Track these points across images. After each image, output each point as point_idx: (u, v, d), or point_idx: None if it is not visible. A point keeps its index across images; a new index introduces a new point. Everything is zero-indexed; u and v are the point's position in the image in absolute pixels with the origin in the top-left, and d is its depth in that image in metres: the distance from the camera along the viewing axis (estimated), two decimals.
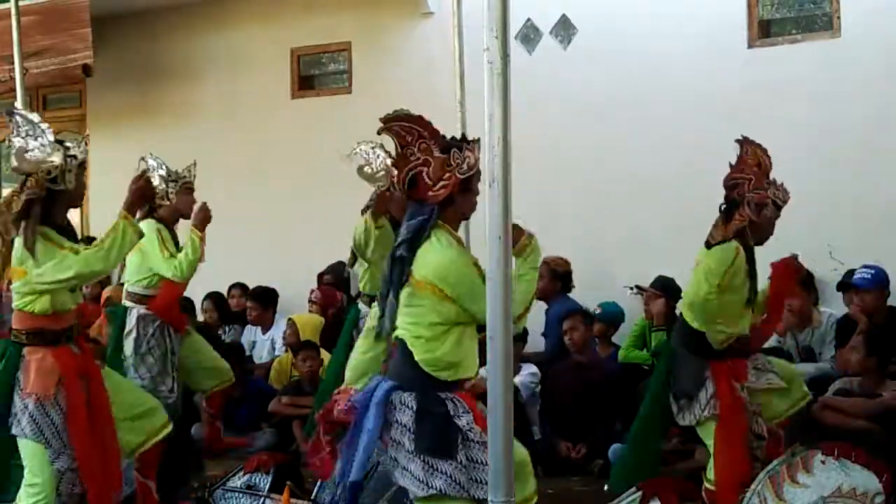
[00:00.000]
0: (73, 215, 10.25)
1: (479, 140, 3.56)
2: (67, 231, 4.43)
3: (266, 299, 7.98)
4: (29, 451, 4.27)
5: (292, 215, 8.55)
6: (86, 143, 4.47)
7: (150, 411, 4.74)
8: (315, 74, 9.10)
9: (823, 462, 4.05)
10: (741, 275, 4.49)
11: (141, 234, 4.45)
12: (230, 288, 8.41)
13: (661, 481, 4.70)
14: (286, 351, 7.49)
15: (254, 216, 8.76)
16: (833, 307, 6.45)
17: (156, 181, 5.55)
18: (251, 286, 8.23)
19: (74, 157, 4.31)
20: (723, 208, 4.61)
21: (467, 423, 3.50)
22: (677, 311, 6.62)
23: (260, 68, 8.93)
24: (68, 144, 4.35)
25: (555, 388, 6.38)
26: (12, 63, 7.19)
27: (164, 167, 5.80)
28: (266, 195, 8.74)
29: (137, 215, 4.61)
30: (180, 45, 9.26)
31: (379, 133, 3.72)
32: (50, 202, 4.27)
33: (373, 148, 5.44)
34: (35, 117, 4.28)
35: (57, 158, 4.22)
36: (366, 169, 5.52)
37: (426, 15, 8.23)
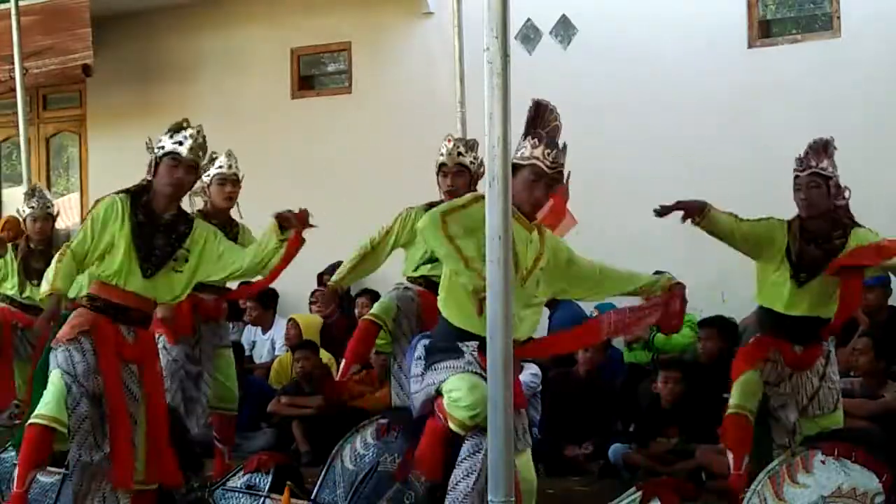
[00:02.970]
0: (74, 213, 10.28)
1: (555, 149, 3.80)
2: None
3: (266, 299, 7.97)
4: (54, 384, 4.23)
5: None
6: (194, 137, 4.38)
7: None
8: (315, 74, 9.11)
9: (823, 462, 4.04)
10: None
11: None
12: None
13: (661, 481, 4.70)
14: (286, 351, 7.49)
15: (253, 216, 8.74)
16: None
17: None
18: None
19: (161, 147, 4.31)
20: None
21: (471, 354, 3.59)
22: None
23: (260, 68, 8.93)
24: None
25: (558, 390, 6.35)
26: (12, 63, 7.21)
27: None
28: (266, 195, 8.69)
29: None
30: (180, 46, 9.26)
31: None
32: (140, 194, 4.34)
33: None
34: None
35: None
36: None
37: (426, 15, 8.23)
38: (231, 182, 5.57)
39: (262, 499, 5.14)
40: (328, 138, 8.47)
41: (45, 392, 4.25)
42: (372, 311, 5.26)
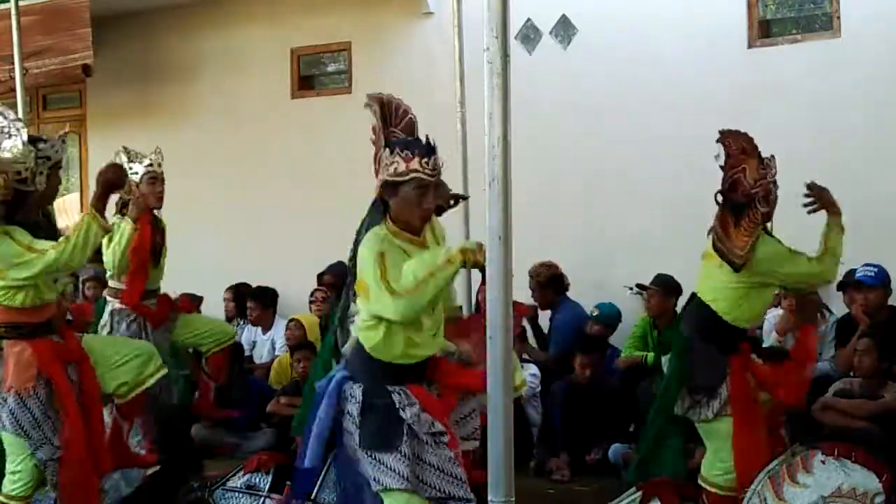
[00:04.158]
0: (74, 213, 10.26)
1: (433, 155, 3.57)
2: (39, 225, 4.37)
3: (266, 299, 7.97)
4: (9, 442, 4.33)
5: (292, 215, 8.55)
6: (63, 142, 4.48)
7: (141, 355, 4.71)
8: (315, 74, 9.11)
9: (823, 462, 4.04)
10: None
11: (107, 230, 4.43)
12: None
13: (661, 481, 4.70)
14: (286, 351, 7.49)
15: (254, 216, 8.77)
16: (833, 307, 6.44)
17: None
18: (251, 286, 8.23)
19: (47, 157, 4.29)
20: (726, 205, 4.43)
21: (412, 416, 3.51)
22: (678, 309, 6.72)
23: (260, 68, 8.93)
24: (41, 146, 4.29)
25: (568, 399, 6.34)
26: (12, 63, 7.19)
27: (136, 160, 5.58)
28: (266, 195, 8.74)
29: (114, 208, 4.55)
30: (180, 45, 9.26)
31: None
32: (19, 202, 4.24)
33: None
34: (11, 115, 4.27)
35: (28, 160, 4.19)
36: None
37: (426, 15, 8.23)
38: (161, 181, 5.59)
39: (262, 499, 5.14)
40: (328, 138, 8.47)
41: (9, 472, 4.33)
42: None
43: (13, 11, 6.93)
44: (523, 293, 6.73)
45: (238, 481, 5.28)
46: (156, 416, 5.47)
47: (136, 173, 5.52)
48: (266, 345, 7.94)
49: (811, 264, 4.38)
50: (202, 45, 9.18)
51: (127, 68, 9.32)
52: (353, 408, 3.57)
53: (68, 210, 10.47)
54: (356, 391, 3.59)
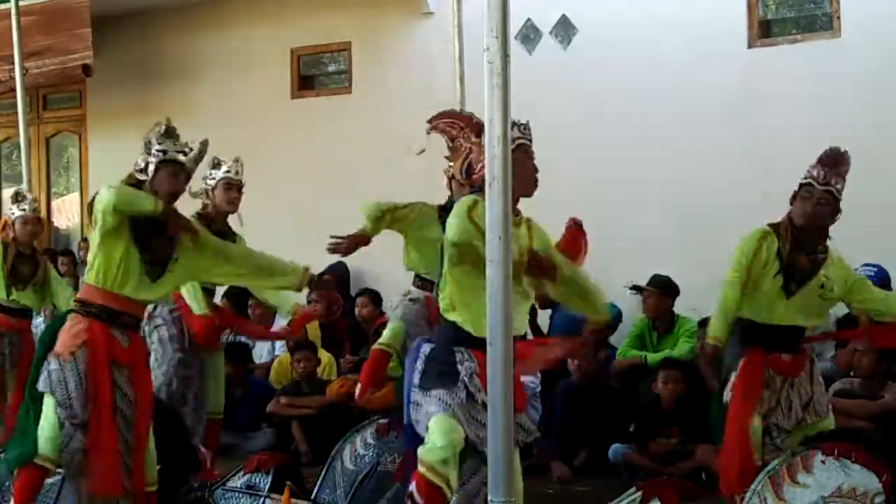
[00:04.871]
0: (74, 213, 10.28)
1: (525, 123, 3.75)
2: None
3: None
4: (46, 403, 4.27)
5: (292, 215, 8.55)
6: (198, 149, 4.42)
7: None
8: (315, 74, 9.11)
9: (823, 462, 4.04)
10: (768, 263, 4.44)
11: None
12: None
13: (661, 481, 4.70)
14: (286, 351, 7.48)
15: (253, 216, 8.74)
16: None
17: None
18: None
19: (163, 151, 4.29)
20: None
21: (468, 370, 3.67)
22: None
23: (260, 68, 8.93)
24: (160, 143, 4.30)
25: (566, 400, 6.32)
26: (12, 63, 7.21)
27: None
28: (266, 195, 8.72)
29: None
30: (180, 45, 9.26)
31: (428, 133, 3.79)
32: None
33: None
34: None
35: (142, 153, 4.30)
36: None
37: (426, 15, 8.23)
38: (237, 188, 5.65)
39: (262, 499, 5.14)
40: (328, 138, 8.47)
41: (40, 424, 4.26)
42: (381, 339, 5.42)
43: (13, 11, 6.94)
44: None
45: (238, 481, 5.28)
46: (155, 416, 5.45)
47: (214, 178, 5.56)
48: (266, 345, 7.93)
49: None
50: (202, 45, 9.19)
51: (127, 68, 9.32)
52: (420, 362, 3.80)
53: (68, 210, 10.48)
54: (426, 348, 3.83)
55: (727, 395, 4.46)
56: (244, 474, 5.29)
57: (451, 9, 6.42)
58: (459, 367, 3.68)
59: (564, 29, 7.69)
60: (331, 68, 9.08)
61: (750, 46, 7.19)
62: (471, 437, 3.63)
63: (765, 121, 6.96)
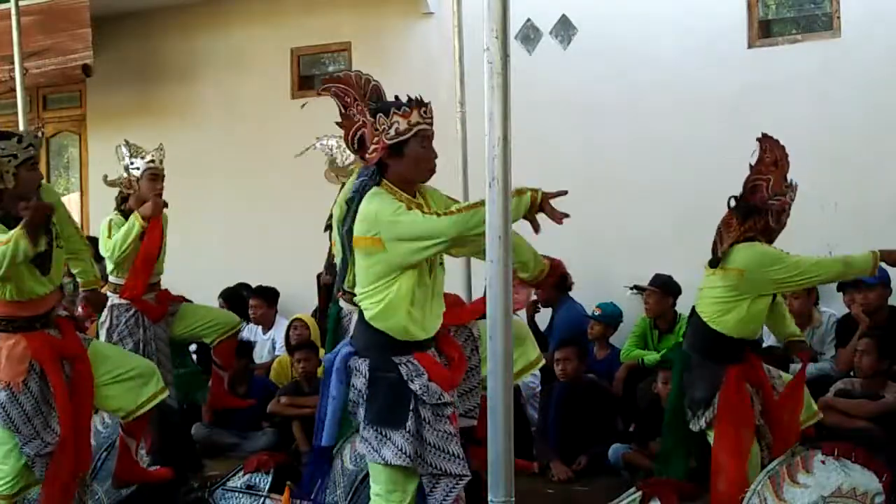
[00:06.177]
0: (74, 213, 10.26)
1: (428, 104, 3.57)
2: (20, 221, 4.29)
3: (269, 297, 7.98)
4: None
5: (292, 215, 8.55)
6: (36, 138, 4.40)
7: (142, 375, 4.68)
8: (315, 74, 9.10)
9: (823, 462, 4.05)
10: None
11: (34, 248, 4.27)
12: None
13: (661, 481, 4.70)
14: (286, 351, 7.48)
15: (253, 216, 8.76)
16: (833, 307, 6.45)
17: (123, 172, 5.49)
18: (252, 286, 8.23)
19: (13, 155, 4.23)
20: (737, 206, 4.54)
21: (421, 387, 3.47)
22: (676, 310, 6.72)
23: (260, 68, 8.92)
24: (3, 144, 4.23)
25: (553, 397, 6.32)
26: (12, 63, 7.19)
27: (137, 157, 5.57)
28: (266, 195, 8.74)
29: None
30: (180, 45, 9.26)
31: (318, 94, 3.72)
32: None
33: (337, 141, 5.40)
34: None
35: None
36: (337, 162, 5.51)
37: (426, 15, 8.23)
38: (161, 178, 5.61)
39: (262, 499, 5.14)
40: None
41: None
42: None
43: (13, 11, 6.92)
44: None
45: (238, 481, 5.29)
46: (155, 416, 5.46)
47: (138, 168, 5.54)
48: (266, 344, 7.94)
49: (809, 261, 4.37)
50: (202, 45, 9.18)
51: (127, 68, 9.31)
52: (359, 382, 3.54)
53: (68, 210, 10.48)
54: (362, 366, 3.54)
55: (707, 418, 4.45)
56: (244, 474, 5.30)
57: (451, 9, 6.41)
58: (410, 384, 3.46)
59: (564, 29, 7.69)
60: (331, 68, 9.07)
61: (750, 46, 7.19)
62: (422, 471, 3.50)
63: (765, 121, 6.93)
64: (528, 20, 7.76)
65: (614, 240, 7.39)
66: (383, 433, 3.48)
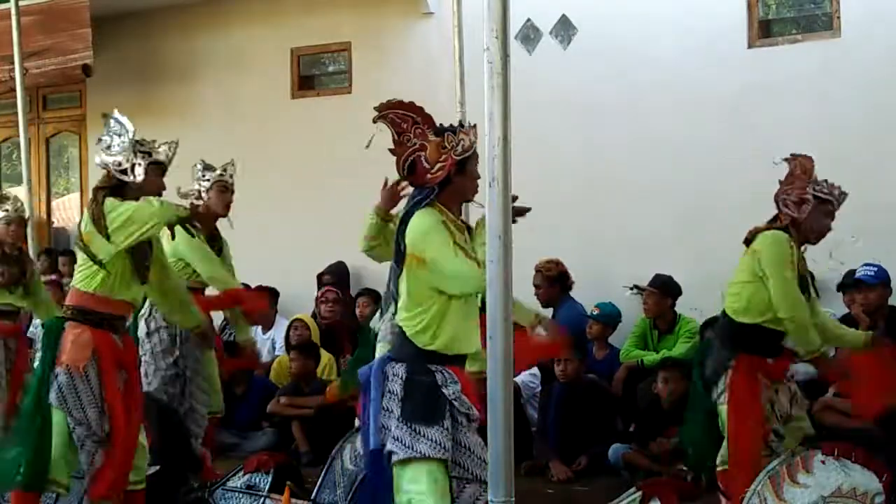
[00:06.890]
0: (74, 214, 10.26)
1: (475, 126, 3.65)
2: None
3: (269, 297, 7.98)
4: (55, 421, 4.36)
5: (292, 215, 8.55)
6: (170, 148, 4.68)
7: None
8: (315, 74, 9.11)
9: (823, 462, 4.04)
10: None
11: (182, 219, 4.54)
12: None
13: (661, 481, 4.70)
14: (286, 351, 7.48)
15: (253, 216, 8.74)
16: (833, 307, 6.44)
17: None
18: (251, 286, 8.21)
19: (147, 153, 4.51)
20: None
21: (454, 393, 3.56)
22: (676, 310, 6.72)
23: (260, 68, 8.93)
24: (145, 143, 4.56)
25: (552, 397, 6.32)
26: (12, 63, 7.21)
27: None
28: (266, 195, 8.73)
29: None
30: (180, 45, 9.26)
31: (374, 122, 3.73)
32: (118, 191, 4.49)
33: None
34: (125, 121, 4.71)
35: (128, 153, 4.50)
36: None
37: (426, 15, 8.23)
38: (231, 191, 5.75)
39: (262, 499, 5.14)
40: (328, 138, 8.47)
41: (53, 442, 4.33)
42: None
43: (13, 11, 6.94)
44: (523, 293, 6.73)
45: (238, 481, 5.29)
46: (155, 416, 5.46)
47: (208, 180, 5.62)
48: (266, 344, 7.93)
49: (796, 300, 4.39)
50: (202, 45, 9.18)
51: (127, 68, 9.31)
52: (395, 386, 3.61)
53: (68, 210, 10.48)
54: (399, 369, 3.62)
55: (720, 400, 4.46)
56: (244, 474, 5.30)
57: (451, 9, 6.42)
58: (444, 390, 3.56)
59: (564, 29, 7.69)
60: (331, 68, 9.08)
61: (750, 46, 7.19)
62: (453, 473, 3.55)
63: (765, 121, 6.96)
64: (528, 20, 7.76)
65: (614, 240, 7.39)
66: (418, 430, 3.53)
